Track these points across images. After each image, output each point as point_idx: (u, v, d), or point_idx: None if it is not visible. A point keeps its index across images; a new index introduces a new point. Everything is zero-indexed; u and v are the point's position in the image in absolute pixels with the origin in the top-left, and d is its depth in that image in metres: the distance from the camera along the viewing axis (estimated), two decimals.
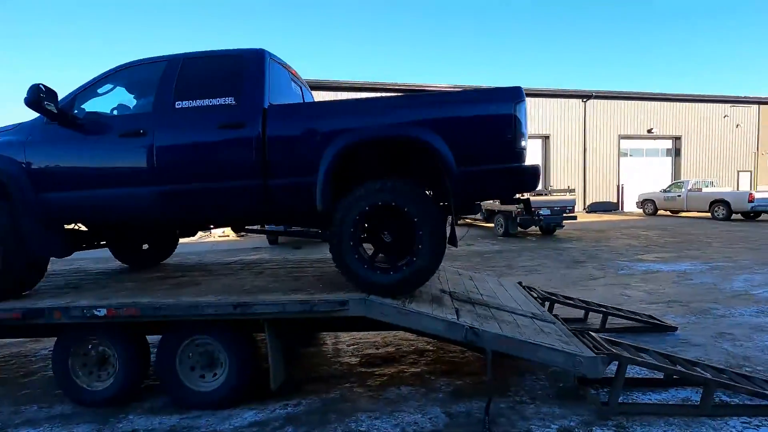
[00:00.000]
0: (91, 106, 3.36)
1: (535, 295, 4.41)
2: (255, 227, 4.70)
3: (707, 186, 17.70)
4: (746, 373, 3.11)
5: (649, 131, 23.46)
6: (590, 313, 4.62)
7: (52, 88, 3.02)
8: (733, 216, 15.95)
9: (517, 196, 3.23)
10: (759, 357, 3.65)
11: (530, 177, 2.94)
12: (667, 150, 24.43)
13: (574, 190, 15.72)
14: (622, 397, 2.83)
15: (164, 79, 3.21)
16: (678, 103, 23.78)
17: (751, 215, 15.81)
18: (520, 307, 3.59)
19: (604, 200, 23.04)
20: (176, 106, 3.14)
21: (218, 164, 3.05)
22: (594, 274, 7.26)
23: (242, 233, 15.43)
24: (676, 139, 24.06)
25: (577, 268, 7.87)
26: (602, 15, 77.63)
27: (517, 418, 2.78)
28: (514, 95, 2.91)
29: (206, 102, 3.12)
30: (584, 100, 22.48)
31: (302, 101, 3.94)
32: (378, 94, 19.49)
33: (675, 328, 4.33)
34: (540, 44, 75.06)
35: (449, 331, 2.76)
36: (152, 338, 3.23)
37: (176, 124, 3.12)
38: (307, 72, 4.22)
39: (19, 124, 3.38)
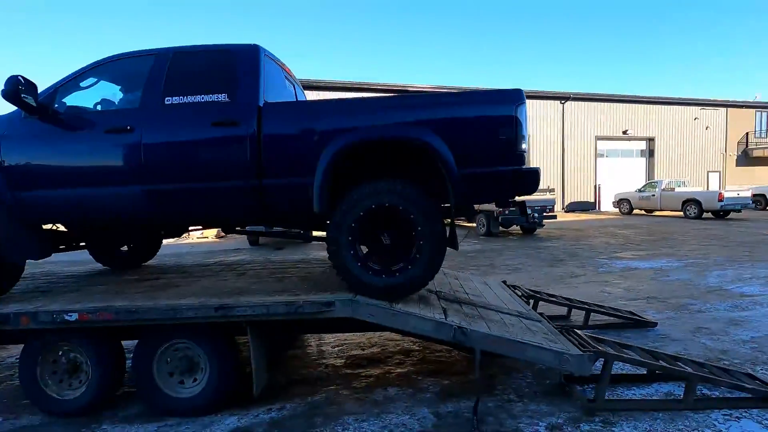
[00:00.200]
0: (72, 100, 3.20)
1: (520, 294, 4.42)
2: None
3: (679, 186, 18.29)
4: (725, 366, 3.19)
5: (625, 132, 24.11)
6: (573, 310, 4.67)
7: (31, 80, 2.86)
8: (704, 215, 16.53)
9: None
10: (736, 350, 3.75)
11: (530, 180, 2.92)
12: (642, 151, 25.15)
13: (554, 189, 15.99)
14: (607, 393, 2.85)
15: (153, 73, 3.08)
16: (651, 106, 24.52)
17: (721, 214, 16.43)
18: (506, 306, 3.59)
19: (582, 200, 23.56)
20: (166, 102, 3.02)
21: (211, 163, 2.95)
22: (575, 272, 7.37)
23: (222, 234, 15.18)
24: (650, 140, 24.80)
25: (558, 266, 7.98)
26: (579, 19, 79.52)
27: (506, 416, 2.77)
28: (515, 97, 2.89)
29: (198, 98, 3.01)
30: (562, 101, 22.93)
31: (295, 100, 3.85)
32: (362, 95, 19.42)
33: (655, 324, 4.42)
34: (519, 46, 76.35)
35: (438, 331, 2.73)
36: (128, 343, 3.10)
37: (166, 120, 3.00)
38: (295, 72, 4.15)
39: None
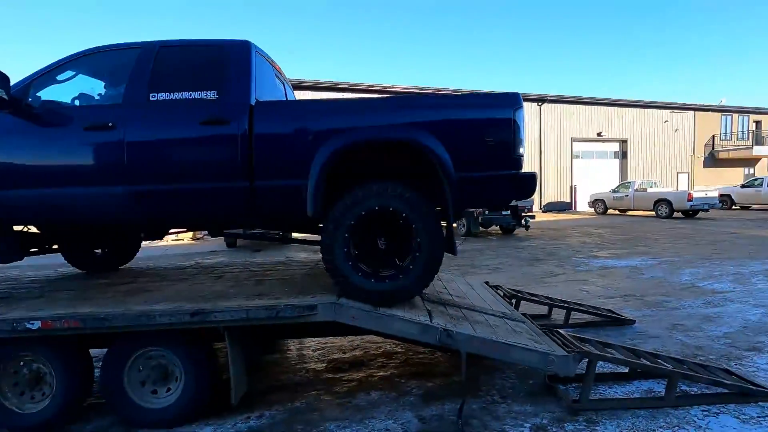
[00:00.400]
0: (48, 94, 3.01)
1: (502, 293, 4.43)
2: None
3: (651, 186, 18.88)
4: (701, 362, 3.25)
5: (599, 134, 24.76)
6: (554, 309, 4.71)
7: (3, 72, 2.68)
8: (675, 214, 17.11)
9: None
10: (710, 346, 3.84)
11: (528, 185, 2.89)
12: (615, 152, 25.87)
13: None
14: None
15: (137, 68, 2.92)
16: (624, 108, 25.27)
17: (690, 213, 17.05)
18: (490, 307, 3.57)
19: (559, 200, 24.06)
20: (151, 99, 2.87)
21: (199, 164, 2.82)
22: (554, 271, 7.47)
23: (199, 236, 14.80)
24: (623, 142, 25.53)
25: (537, 265, 8.07)
26: (557, 23, 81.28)
27: (490, 418, 2.74)
28: (514, 101, 2.86)
29: (185, 95, 2.87)
30: (539, 103, 23.36)
31: (285, 99, 3.74)
32: (344, 95, 19.30)
33: (633, 321, 4.49)
34: (497, 49, 77.49)
35: (423, 334, 2.67)
36: (96, 351, 2.93)
37: (151, 118, 2.85)
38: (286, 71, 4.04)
39: None
